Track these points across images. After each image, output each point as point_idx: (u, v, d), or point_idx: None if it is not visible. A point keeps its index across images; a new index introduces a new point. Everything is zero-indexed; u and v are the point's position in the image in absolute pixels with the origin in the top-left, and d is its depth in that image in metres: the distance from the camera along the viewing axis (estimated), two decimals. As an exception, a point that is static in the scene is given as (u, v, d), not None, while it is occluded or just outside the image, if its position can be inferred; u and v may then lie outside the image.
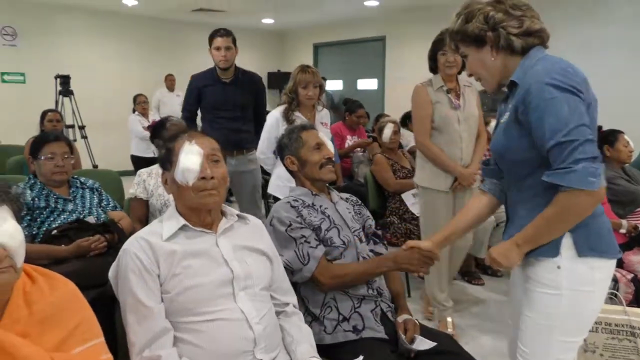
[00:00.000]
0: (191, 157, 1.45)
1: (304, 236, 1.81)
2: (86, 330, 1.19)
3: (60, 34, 8.31)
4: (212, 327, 1.38)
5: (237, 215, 1.61)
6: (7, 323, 1.10)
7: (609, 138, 3.37)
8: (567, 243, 1.40)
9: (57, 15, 8.24)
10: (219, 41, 3.40)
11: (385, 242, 2.12)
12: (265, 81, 10.80)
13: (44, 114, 4.71)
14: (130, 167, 6.33)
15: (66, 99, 6.85)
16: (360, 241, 1.93)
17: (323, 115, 3.23)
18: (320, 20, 9.74)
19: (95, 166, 6.43)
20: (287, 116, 3.03)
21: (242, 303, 1.44)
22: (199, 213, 1.50)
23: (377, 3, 8.05)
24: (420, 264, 1.73)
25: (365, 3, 8.04)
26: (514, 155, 1.45)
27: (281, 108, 3.10)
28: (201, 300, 1.40)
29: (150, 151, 6.22)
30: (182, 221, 1.48)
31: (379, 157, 3.88)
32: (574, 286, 1.40)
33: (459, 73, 2.87)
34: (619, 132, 3.42)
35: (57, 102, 6.82)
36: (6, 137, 6.12)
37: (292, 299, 1.66)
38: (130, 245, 1.43)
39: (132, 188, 2.75)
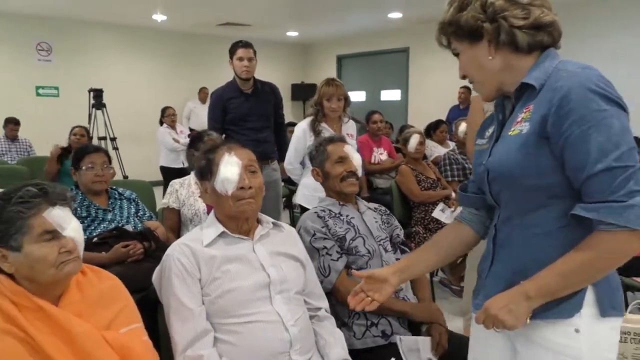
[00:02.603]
0: (230, 167, 1.54)
1: (325, 247, 1.86)
2: (129, 315, 1.39)
3: (93, 50, 8.59)
4: (250, 329, 1.46)
5: (272, 223, 1.69)
6: (65, 304, 1.31)
7: None
8: (590, 299, 1.10)
9: (91, 31, 8.53)
10: (241, 52, 3.43)
11: (412, 252, 2.16)
12: (288, 93, 10.97)
13: (73, 129, 4.89)
14: (159, 178, 6.49)
15: (99, 112, 7.06)
16: (386, 250, 1.97)
17: (349, 126, 3.31)
18: (344, 32, 9.84)
19: (125, 177, 6.61)
20: (314, 127, 3.14)
21: (278, 306, 1.51)
22: (237, 221, 1.58)
23: (400, 15, 8.12)
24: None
25: (389, 15, 8.12)
26: (530, 178, 1.11)
27: (308, 119, 3.21)
28: (239, 303, 1.47)
29: (179, 162, 6.39)
30: (221, 228, 1.57)
31: (404, 168, 3.92)
32: (596, 353, 1.11)
33: None
34: None
35: (90, 115, 7.03)
36: (41, 149, 6.34)
37: (324, 303, 1.73)
38: (173, 250, 1.52)
39: (165, 198, 2.83)
